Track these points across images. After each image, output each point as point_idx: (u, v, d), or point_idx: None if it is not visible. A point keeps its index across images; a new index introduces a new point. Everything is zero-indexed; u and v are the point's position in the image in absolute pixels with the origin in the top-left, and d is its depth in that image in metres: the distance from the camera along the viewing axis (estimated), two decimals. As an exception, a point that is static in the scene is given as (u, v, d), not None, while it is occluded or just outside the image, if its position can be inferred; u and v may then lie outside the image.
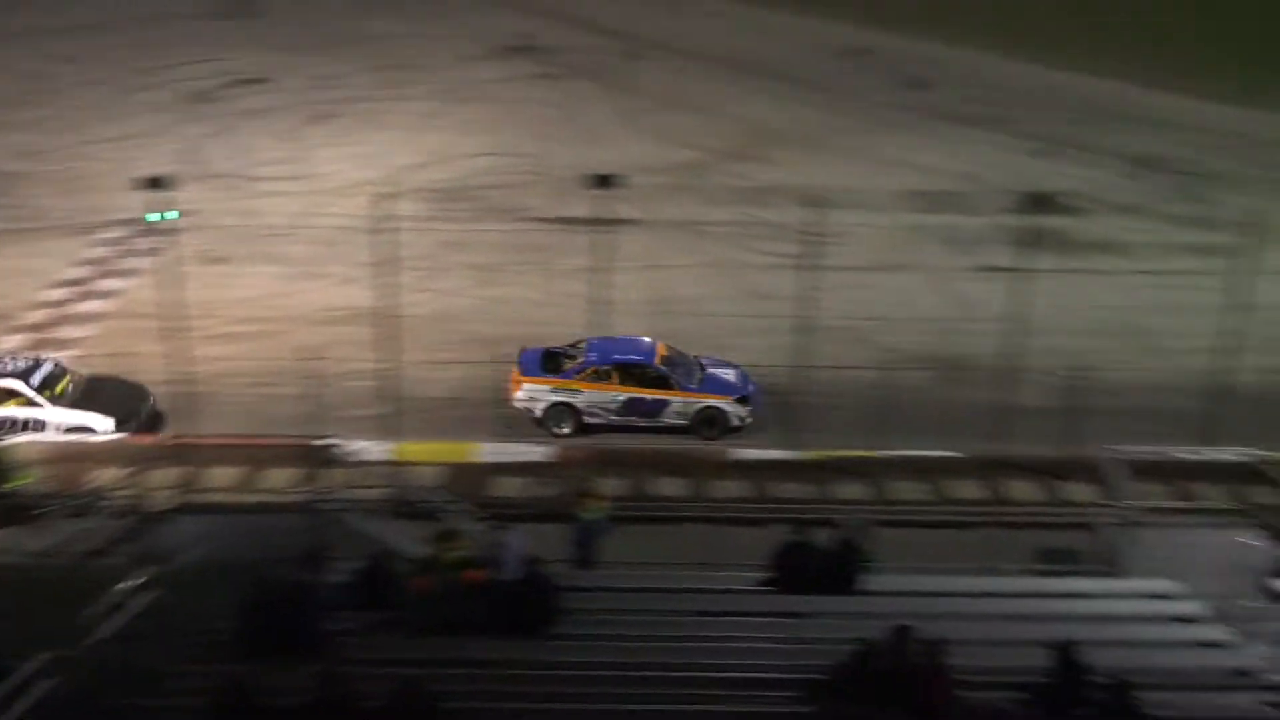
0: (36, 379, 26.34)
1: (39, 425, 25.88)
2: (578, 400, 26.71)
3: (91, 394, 26.75)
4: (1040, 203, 24.30)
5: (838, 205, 30.69)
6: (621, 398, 26.75)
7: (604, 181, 25.34)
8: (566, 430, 26.68)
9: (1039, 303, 25.64)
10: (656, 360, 26.96)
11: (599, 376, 26.81)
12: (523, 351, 27.31)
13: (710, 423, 26.83)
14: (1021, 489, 24.20)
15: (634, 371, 26.85)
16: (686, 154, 40.44)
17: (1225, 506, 23.25)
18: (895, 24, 51.27)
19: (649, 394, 26.74)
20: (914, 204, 36.22)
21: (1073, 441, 25.02)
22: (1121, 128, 42.43)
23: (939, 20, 51.14)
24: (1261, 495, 23.52)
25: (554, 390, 26.71)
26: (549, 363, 27.14)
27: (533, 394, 26.76)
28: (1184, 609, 18.14)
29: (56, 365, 26.99)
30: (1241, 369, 26.26)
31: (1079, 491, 23.78)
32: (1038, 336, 25.94)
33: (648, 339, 27.69)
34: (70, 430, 25.92)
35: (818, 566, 18.10)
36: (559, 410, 26.73)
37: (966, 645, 15.66)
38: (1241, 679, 16.33)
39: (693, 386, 27.00)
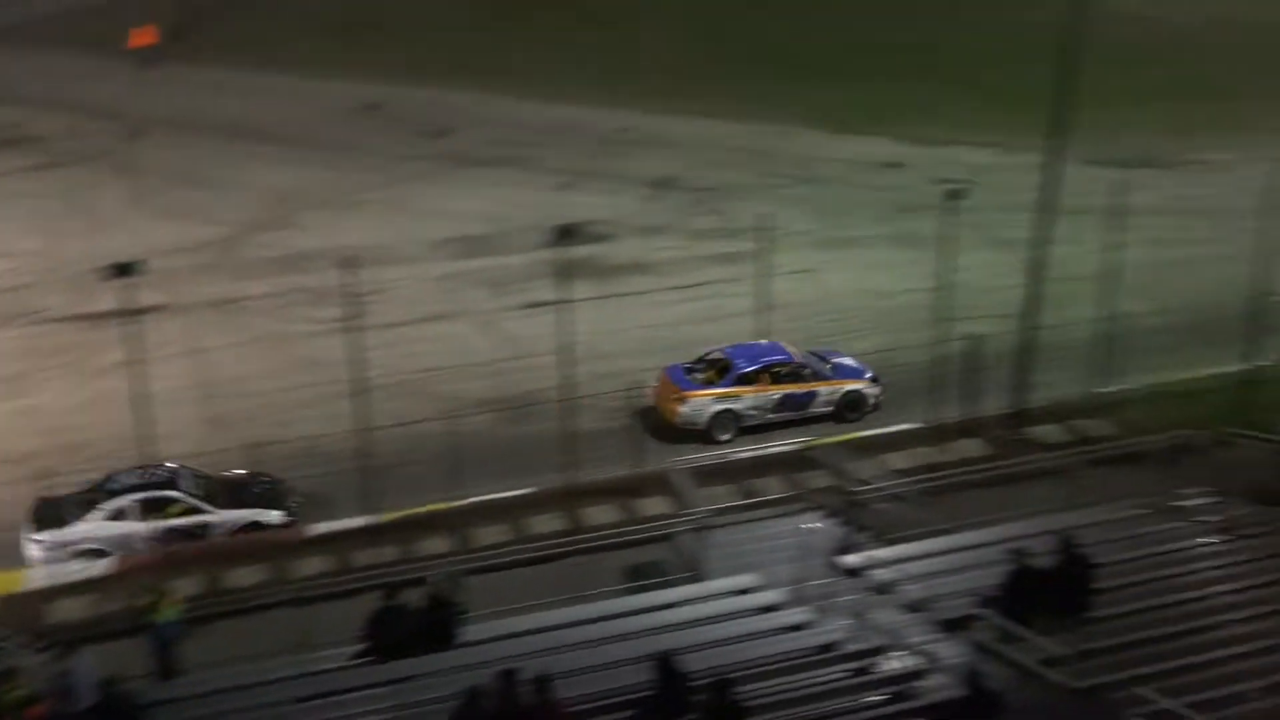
0: (186, 485, 24.34)
1: (203, 530, 24.12)
2: (738, 405, 27.72)
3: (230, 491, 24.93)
4: (570, 234, 24.86)
5: (376, 262, 30.40)
6: (776, 396, 27.93)
7: (123, 270, 23.84)
8: (727, 437, 27.49)
9: (585, 331, 26.27)
10: (795, 357, 28.28)
11: (751, 380, 27.71)
12: (667, 371, 28.29)
13: (853, 405, 28.40)
14: (600, 513, 24.64)
15: (780, 370, 28.12)
16: (210, 230, 38.91)
17: (786, 495, 24.55)
18: (402, 77, 51.57)
19: (799, 389, 27.99)
20: (451, 251, 36.38)
21: (641, 459, 25.87)
22: (637, 154, 44.39)
23: (445, 69, 51.91)
24: (815, 480, 25.00)
25: (716, 400, 27.58)
26: (693, 374, 28.24)
27: (697, 406, 27.52)
28: (766, 599, 19.02)
29: (194, 471, 24.83)
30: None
31: (654, 505, 24.50)
32: (590, 363, 26.58)
33: (768, 342, 28.82)
34: (242, 529, 24.31)
35: (412, 628, 17.73)
36: (723, 417, 27.57)
37: (573, 675, 15.75)
38: (827, 654, 17.24)
39: (830, 375, 28.34)
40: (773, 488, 25.18)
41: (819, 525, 21.57)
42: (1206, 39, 54.32)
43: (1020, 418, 27.76)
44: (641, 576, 21.33)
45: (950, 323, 27.15)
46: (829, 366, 28.93)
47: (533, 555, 22.63)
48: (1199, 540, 19.77)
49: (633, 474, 25.86)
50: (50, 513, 23.90)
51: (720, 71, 51.02)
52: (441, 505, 24.63)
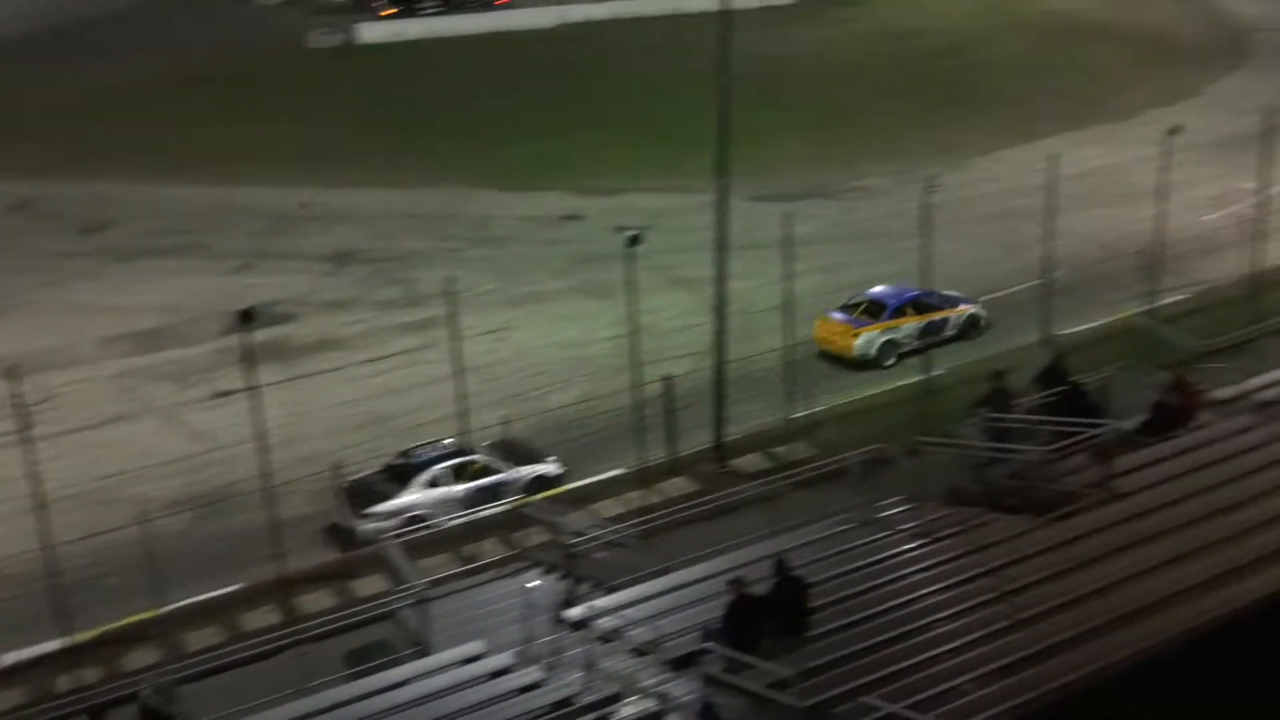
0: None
1: (500, 487, 26.76)
2: (896, 335, 32.36)
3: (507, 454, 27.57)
4: (251, 317, 24.01)
5: (44, 368, 28.73)
6: (921, 324, 32.63)
7: None
8: (891, 362, 32.15)
9: (280, 415, 25.54)
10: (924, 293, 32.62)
11: (901, 314, 32.41)
12: (835, 312, 32.69)
13: (973, 325, 33.26)
14: (316, 600, 23.90)
15: (920, 303, 32.68)
16: None
17: (504, 556, 24.40)
18: (49, 173, 48.91)
19: (935, 317, 32.76)
20: (125, 348, 34.74)
21: (354, 541, 25.32)
22: (313, 230, 43.45)
23: (98, 161, 49.64)
24: (532, 537, 24.95)
25: (882, 332, 32.18)
26: (855, 314, 32.52)
27: (869, 339, 32.08)
28: (496, 663, 18.76)
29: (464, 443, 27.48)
30: (481, 427, 27.89)
31: (371, 585, 23.93)
32: (289, 448, 25.85)
33: (897, 285, 33.25)
34: (533, 482, 27.09)
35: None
36: (887, 346, 32.29)
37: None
38: (563, 710, 17.11)
39: (950, 304, 33.01)
40: (489, 550, 25.01)
41: (540, 582, 21.44)
42: (852, 71, 57.41)
43: (723, 451, 28.49)
44: (366, 659, 20.68)
45: (645, 366, 27.62)
46: (942, 297, 33.42)
47: (250, 653, 21.66)
48: (903, 547, 20.61)
49: (345, 556, 25.23)
50: (364, 492, 26.37)
51: (389, 141, 50.63)
52: (145, 615, 23.34)
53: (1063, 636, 16.66)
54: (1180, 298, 34.66)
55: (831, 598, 18.70)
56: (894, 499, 22.56)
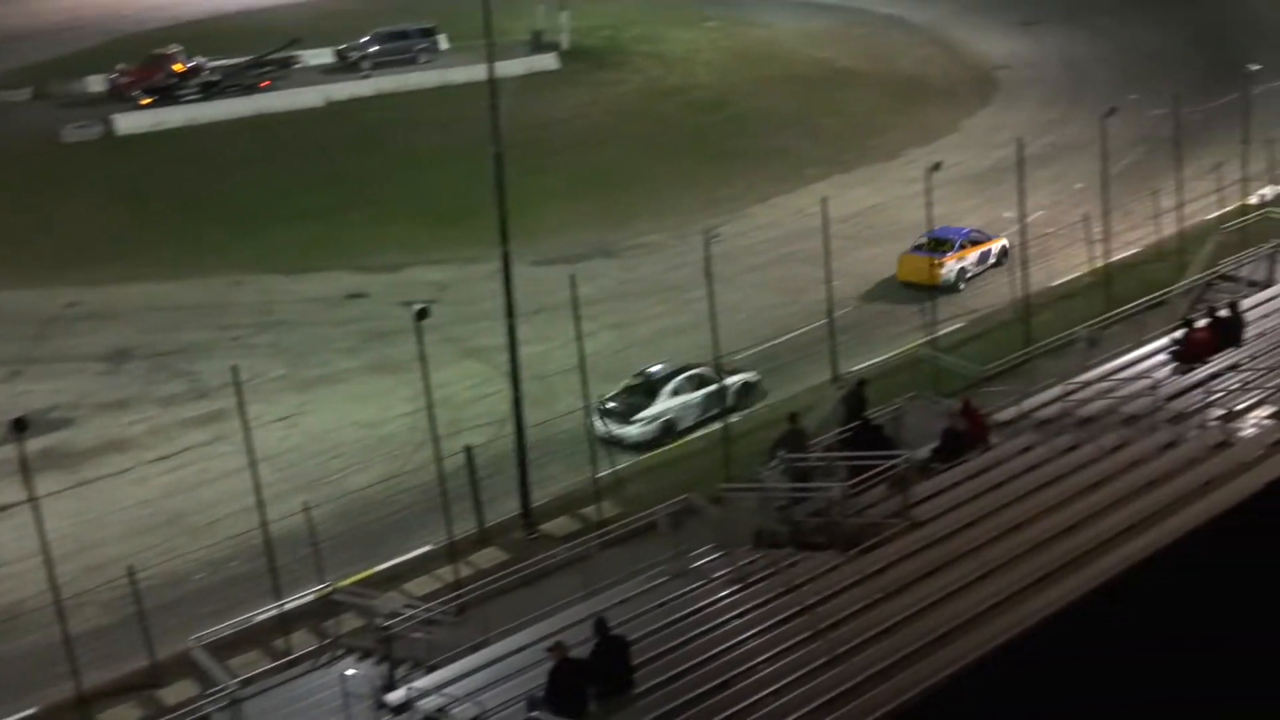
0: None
1: (723, 393, 31.72)
2: (966, 264, 39.63)
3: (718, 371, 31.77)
4: (24, 426, 22.91)
5: None
6: (978, 254, 40.12)
7: None
8: (964, 286, 39.26)
9: (67, 524, 24.46)
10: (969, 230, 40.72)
11: (964, 248, 39.83)
12: (914, 251, 39.30)
13: (1005, 254, 39.96)
14: (121, 714, 22.89)
15: (973, 239, 40.35)
16: None
17: (318, 647, 23.78)
18: None
19: (983, 248, 40.38)
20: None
21: (157, 645, 24.29)
22: (85, 330, 41.69)
23: None
24: (345, 624, 24.38)
25: (957, 262, 39.38)
26: (934, 249, 39.03)
27: (950, 268, 39.15)
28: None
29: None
30: (282, 517, 27.11)
31: (180, 691, 23.05)
32: (80, 557, 24.77)
33: (948, 227, 39.86)
34: (742, 387, 32.93)
35: None
36: (962, 272, 39.50)
37: None
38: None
39: (986, 239, 40.68)
40: (301, 642, 24.35)
41: (357, 670, 20.99)
42: (622, 132, 58.26)
43: (531, 517, 28.40)
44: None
45: (445, 439, 27.36)
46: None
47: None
48: (717, 595, 20.82)
49: (150, 663, 24.19)
50: (618, 406, 31.72)
51: (157, 233, 48.99)
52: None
53: (879, 666, 17.08)
54: (957, 326, 36.10)
55: (653, 653, 18.76)
56: (704, 548, 22.81)
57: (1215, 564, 17.88)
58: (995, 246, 40.31)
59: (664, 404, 31.81)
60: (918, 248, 39.09)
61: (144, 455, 32.85)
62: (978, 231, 40.74)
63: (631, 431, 31.25)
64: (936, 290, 37.25)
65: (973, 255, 39.82)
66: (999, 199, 42.92)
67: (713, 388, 31.70)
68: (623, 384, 32.55)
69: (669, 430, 31.68)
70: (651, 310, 38.56)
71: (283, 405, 34.11)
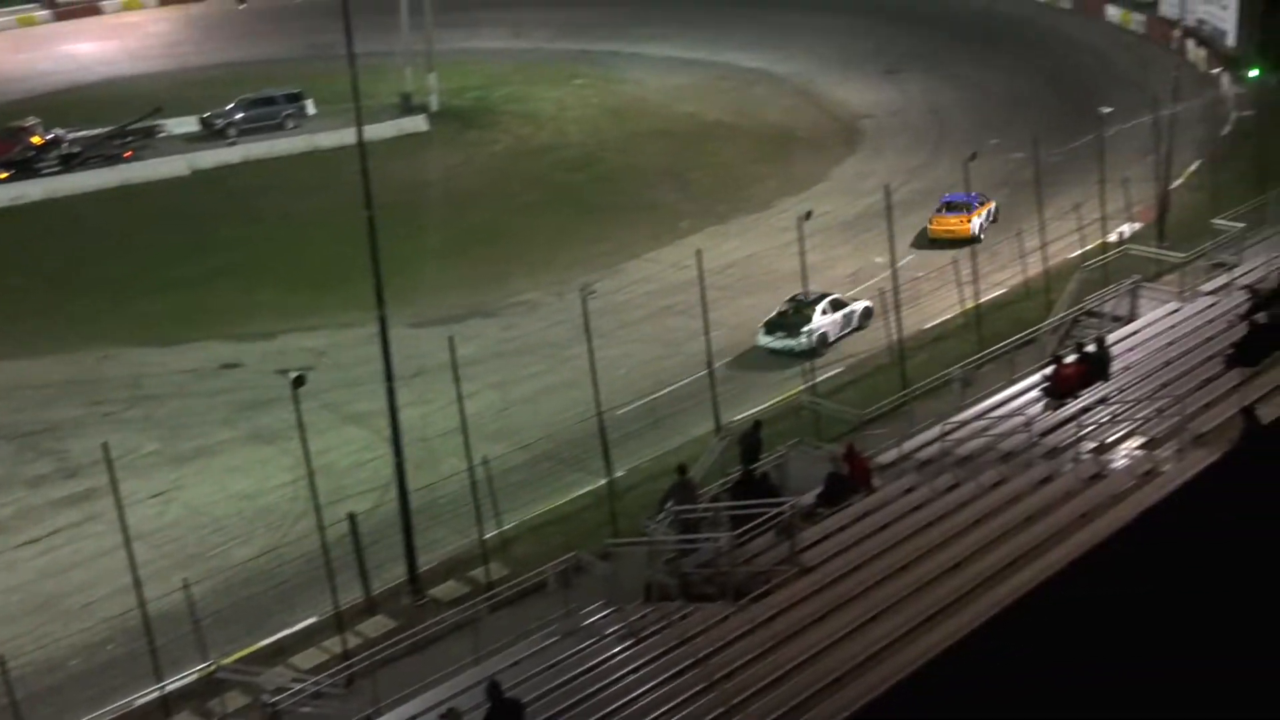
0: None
1: (852, 315, 39.92)
2: (982, 220, 46.20)
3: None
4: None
5: None
6: (987, 212, 46.77)
7: None
8: (983, 237, 44.87)
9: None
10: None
11: (980, 205, 46.39)
12: (942, 212, 46.55)
13: (997, 214, 47.03)
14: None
15: (983, 200, 46.87)
16: None
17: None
18: None
19: (988, 208, 46.97)
20: None
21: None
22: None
23: None
24: (232, 701, 23.75)
25: (979, 217, 45.91)
26: (953, 209, 46.28)
27: (976, 222, 45.55)
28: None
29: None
30: (161, 595, 26.38)
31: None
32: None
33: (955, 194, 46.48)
34: (864, 311, 40.08)
35: None
36: (984, 227, 45.84)
37: None
38: None
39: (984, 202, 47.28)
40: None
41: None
42: (493, 191, 58.22)
43: (418, 582, 28.00)
44: None
45: (327, 507, 26.88)
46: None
47: None
48: (610, 652, 20.71)
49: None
50: (779, 325, 38.40)
51: (13, 309, 47.60)
52: None
53: (774, 715, 17.09)
54: (836, 371, 36.57)
55: (548, 714, 18.60)
56: (595, 605, 22.73)
57: (1096, 594, 18.22)
58: (858, 307, 39.89)
59: (819, 320, 38.11)
60: (945, 208, 46.69)
61: (12, 539, 31.77)
62: (981, 195, 47.03)
63: (801, 342, 36.98)
64: (967, 242, 43.40)
65: (986, 212, 46.72)
66: (870, 244, 43.66)
67: (846, 310, 39.05)
68: (777, 309, 38.92)
69: (823, 341, 37.76)
70: (532, 368, 38.43)
71: (158, 480, 33.28)
